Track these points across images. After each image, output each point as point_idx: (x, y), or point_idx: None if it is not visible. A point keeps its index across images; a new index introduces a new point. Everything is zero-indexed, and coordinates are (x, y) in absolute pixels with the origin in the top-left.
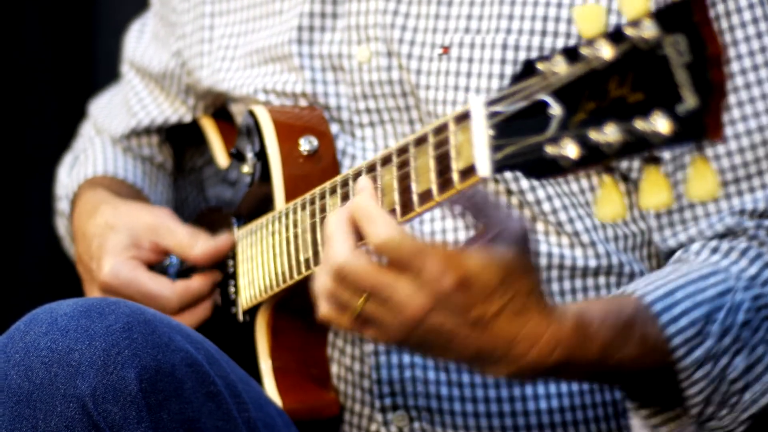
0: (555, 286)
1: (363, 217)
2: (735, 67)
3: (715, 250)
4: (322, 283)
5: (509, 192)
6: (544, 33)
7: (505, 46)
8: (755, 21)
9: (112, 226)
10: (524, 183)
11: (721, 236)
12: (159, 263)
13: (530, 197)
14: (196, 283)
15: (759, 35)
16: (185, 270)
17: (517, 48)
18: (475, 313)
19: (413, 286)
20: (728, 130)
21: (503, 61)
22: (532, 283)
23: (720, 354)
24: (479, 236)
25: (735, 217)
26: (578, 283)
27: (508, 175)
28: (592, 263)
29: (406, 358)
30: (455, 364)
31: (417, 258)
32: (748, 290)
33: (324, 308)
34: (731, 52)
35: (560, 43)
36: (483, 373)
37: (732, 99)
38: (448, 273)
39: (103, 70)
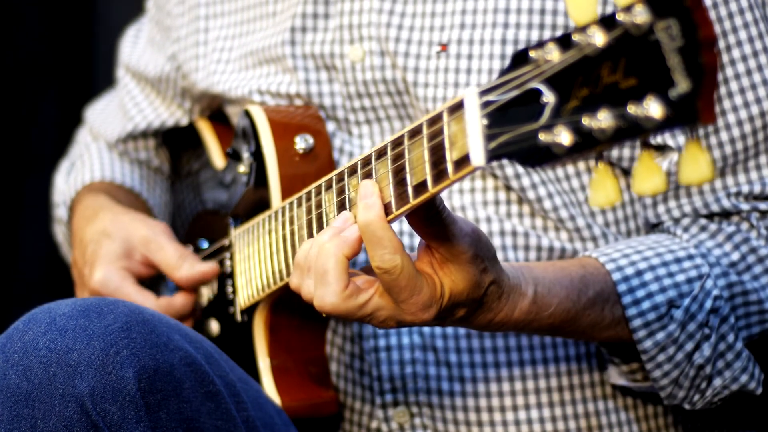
0: None
1: (369, 240)
2: (734, 54)
3: (703, 229)
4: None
5: (509, 188)
6: (542, 26)
7: (504, 41)
8: (751, 7)
9: (108, 234)
10: (525, 180)
11: (714, 215)
12: (153, 278)
13: (531, 195)
14: (180, 300)
15: (755, 22)
16: None
17: (516, 42)
18: (446, 316)
19: (396, 311)
20: (730, 117)
21: (503, 57)
22: (490, 280)
23: (684, 340)
24: (433, 247)
25: (731, 199)
26: None
27: (509, 171)
28: None
29: (407, 355)
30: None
31: (405, 292)
32: (722, 277)
33: (296, 278)
34: (730, 40)
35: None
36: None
37: (733, 86)
38: (431, 308)
39: (102, 73)
